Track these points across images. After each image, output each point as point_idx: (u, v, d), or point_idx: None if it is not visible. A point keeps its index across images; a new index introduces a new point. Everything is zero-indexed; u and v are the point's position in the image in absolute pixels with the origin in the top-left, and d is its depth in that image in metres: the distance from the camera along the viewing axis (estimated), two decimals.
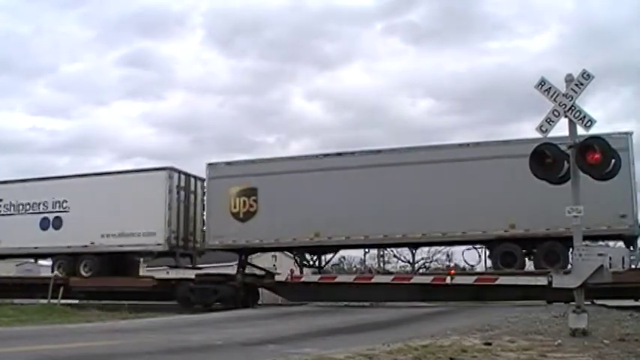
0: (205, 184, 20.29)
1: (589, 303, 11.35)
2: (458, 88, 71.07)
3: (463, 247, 18.87)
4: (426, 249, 38.73)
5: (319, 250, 19.82)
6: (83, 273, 20.83)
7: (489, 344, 7.44)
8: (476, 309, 15.41)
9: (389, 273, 22.56)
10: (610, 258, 8.38)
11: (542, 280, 15.07)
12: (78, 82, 78.72)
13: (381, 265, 30.41)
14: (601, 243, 15.21)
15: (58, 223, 21.25)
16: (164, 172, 20.20)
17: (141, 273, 22.95)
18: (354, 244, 19.66)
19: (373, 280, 18.27)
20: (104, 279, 20.31)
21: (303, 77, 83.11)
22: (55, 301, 19.35)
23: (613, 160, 8.86)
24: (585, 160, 8.73)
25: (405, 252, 36.57)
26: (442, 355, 6.59)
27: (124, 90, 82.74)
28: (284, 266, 22.99)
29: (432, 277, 18.20)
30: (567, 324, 8.65)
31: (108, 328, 12.26)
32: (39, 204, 21.68)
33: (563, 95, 8.98)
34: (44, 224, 21.43)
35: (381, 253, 26.88)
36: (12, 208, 22.18)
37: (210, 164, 19.90)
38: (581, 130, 9.11)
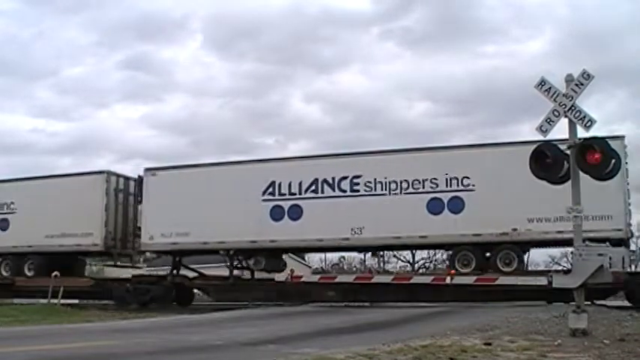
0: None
1: (589, 303, 11.34)
2: (454, 90, 71.33)
3: None
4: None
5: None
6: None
7: (489, 344, 7.44)
8: (476, 309, 15.40)
9: (389, 273, 22.54)
10: (610, 258, 8.37)
11: (542, 280, 15.10)
12: (79, 85, 79.10)
13: (381, 265, 30.45)
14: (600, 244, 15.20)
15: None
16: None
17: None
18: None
19: (373, 280, 18.26)
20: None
21: (301, 80, 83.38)
22: (55, 301, 19.35)
23: (613, 160, 8.86)
24: (585, 160, 8.73)
25: (405, 252, 36.82)
26: (442, 355, 6.58)
27: (125, 93, 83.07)
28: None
29: (432, 277, 18.20)
30: (567, 324, 8.65)
31: (108, 328, 12.24)
32: None
33: (563, 95, 8.98)
34: None
35: (381, 253, 26.86)
36: None
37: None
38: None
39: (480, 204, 16.39)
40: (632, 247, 16.74)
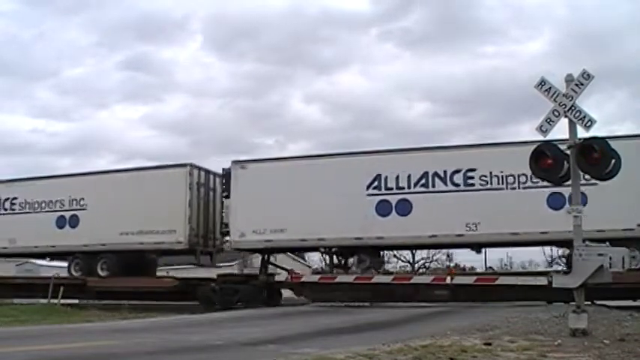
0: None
1: (589, 303, 11.33)
2: (454, 91, 71.53)
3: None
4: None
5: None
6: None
7: (489, 344, 7.44)
8: (476, 309, 15.40)
9: (389, 273, 22.53)
10: (610, 258, 8.37)
11: (542, 280, 15.10)
12: (79, 86, 79.39)
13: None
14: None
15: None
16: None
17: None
18: None
19: (373, 280, 18.23)
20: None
21: (301, 81, 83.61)
22: (55, 301, 19.34)
23: (613, 161, 8.85)
24: (585, 160, 8.73)
25: (405, 252, 36.80)
26: (442, 355, 6.58)
27: (125, 93, 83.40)
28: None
29: (432, 277, 18.20)
30: (567, 324, 8.65)
31: (108, 328, 12.24)
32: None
33: (564, 95, 8.97)
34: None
35: (381, 253, 26.81)
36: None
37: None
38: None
39: (604, 199, 15.16)
40: None
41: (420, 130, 75.62)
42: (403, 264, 40.25)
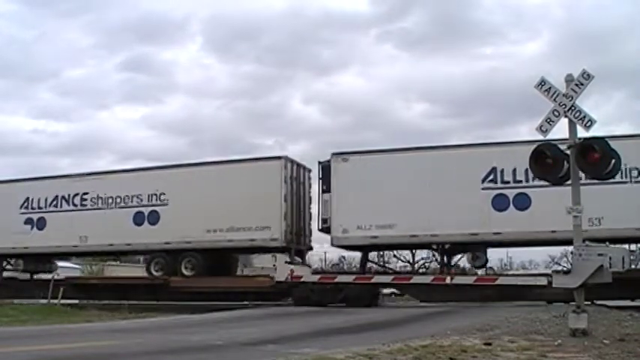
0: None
1: (589, 303, 11.34)
2: (452, 92, 71.60)
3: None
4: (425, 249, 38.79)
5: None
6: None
7: (489, 344, 7.44)
8: (476, 309, 15.41)
9: (388, 273, 22.53)
10: (610, 258, 8.37)
11: (542, 280, 15.11)
12: (80, 87, 79.69)
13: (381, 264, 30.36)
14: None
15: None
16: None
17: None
18: None
19: (373, 281, 18.24)
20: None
21: (300, 81, 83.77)
22: (55, 301, 19.34)
23: (613, 161, 8.86)
24: (585, 160, 8.74)
25: (405, 252, 36.75)
26: (442, 355, 6.58)
27: (125, 94, 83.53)
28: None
29: (432, 277, 18.19)
30: (567, 324, 8.65)
31: (108, 328, 12.24)
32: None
33: (564, 95, 8.98)
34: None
35: (381, 253, 26.82)
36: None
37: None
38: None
39: None
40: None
41: (418, 130, 75.68)
42: (403, 264, 40.21)
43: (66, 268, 30.66)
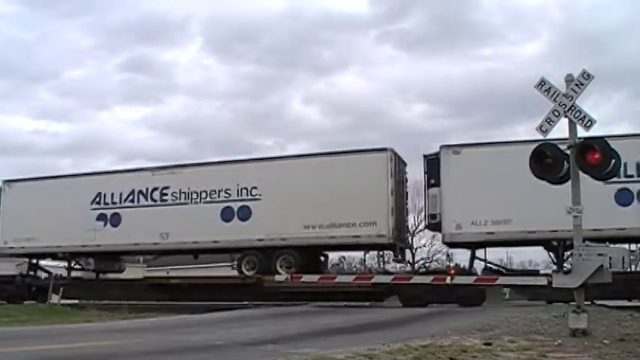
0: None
1: (589, 303, 11.34)
2: (451, 92, 71.53)
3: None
4: (425, 249, 38.82)
5: None
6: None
7: (489, 344, 7.44)
8: (476, 309, 15.40)
9: (389, 273, 22.52)
10: (610, 258, 8.37)
11: (542, 280, 15.09)
12: (80, 87, 79.52)
13: (381, 265, 30.37)
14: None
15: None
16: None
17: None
18: None
19: (373, 280, 18.21)
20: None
21: (300, 82, 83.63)
22: (55, 301, 19.33)
23: (613, 161, 8.86)
24: (585, 160, 8.74)
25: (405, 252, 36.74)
26: (442, 355, 6.58)
27: (125, 94, 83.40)
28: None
29: (431, 277, 18.16)
30: (567, 324, 8.65)
31: (108, 328, 12.24)
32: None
33: (564, 95, 8.98)
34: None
35: (381, 253, 26.82)
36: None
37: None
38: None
39: None
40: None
41: (417, 131, 75.73)
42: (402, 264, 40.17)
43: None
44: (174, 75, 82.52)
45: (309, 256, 18.53)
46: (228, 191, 18.88)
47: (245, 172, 19.03)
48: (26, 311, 16.75)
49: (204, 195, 19.19)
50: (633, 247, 16.25)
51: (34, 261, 22.58)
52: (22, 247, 21.65)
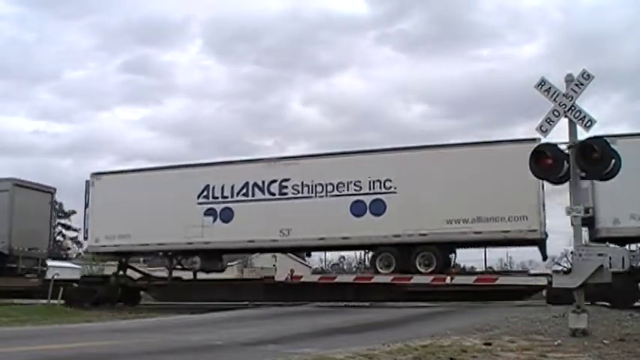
0: None
1: (589, 303, 11.35)
2: (450, 93, 71.75)
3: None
4: None
5: None
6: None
7: (489, 344, 7.44)
8: (476, 309, 15.41)
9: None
10: (610, 258, 8.38)
11: (542, 280, 15.09)
12: (80, 88, 79.88)
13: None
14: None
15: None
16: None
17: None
18: None
19: (373, 281, 18.20)
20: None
21: (300, 83, 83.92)
22: (55, 301, 19.33)
23: (613, 161, 8.87)
24: (585, 160, 8.74)
25: None
26: (442, 355, 6.59)
27: (125, 95, 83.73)
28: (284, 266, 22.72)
29: (431, 277, 18.14)
30: (567, 324, 8.65)
31: (108, 328, 12.25)
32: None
33: (564, 95, 8.99)
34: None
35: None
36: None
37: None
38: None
39: None
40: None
41: (417, 131, 75.80)
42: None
43: (66, 269, 30.72)
44: (174, 76, 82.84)
45: (447, 253, 17.61)
46: (358, 184, 17.77)
47: (377, 163, 17.84)
48: (26, 311, 16.74)
49: (330, 188, 18.01)
50: (633, 247, 16.24)
51: (123, 260, 20.93)
52: (116, 245, 20.03)
